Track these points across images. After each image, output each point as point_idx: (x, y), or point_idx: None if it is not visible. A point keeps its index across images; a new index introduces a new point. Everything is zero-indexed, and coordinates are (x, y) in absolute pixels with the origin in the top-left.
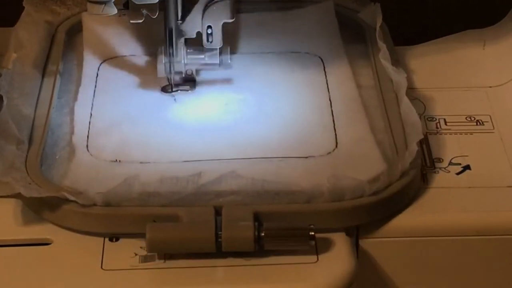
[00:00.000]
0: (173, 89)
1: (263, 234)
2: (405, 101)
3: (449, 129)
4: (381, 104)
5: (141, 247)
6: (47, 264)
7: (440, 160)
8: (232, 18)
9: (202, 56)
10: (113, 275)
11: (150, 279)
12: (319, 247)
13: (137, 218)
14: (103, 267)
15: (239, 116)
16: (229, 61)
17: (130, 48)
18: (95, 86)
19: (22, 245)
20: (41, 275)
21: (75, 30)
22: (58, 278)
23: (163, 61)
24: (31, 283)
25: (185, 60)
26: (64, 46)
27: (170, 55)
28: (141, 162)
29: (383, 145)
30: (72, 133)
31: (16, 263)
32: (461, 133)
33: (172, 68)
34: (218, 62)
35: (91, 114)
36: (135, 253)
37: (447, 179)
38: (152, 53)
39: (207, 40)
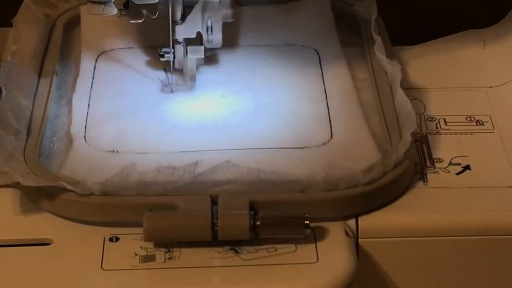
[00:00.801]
0: (173, 88)
1: (258, 222)
2: (400, 93)
3: (449, 129)
4: (376, 96)
5: (141, 247)
6: (47, 264)
7: (440, 160)
8: (233, 18)
9: (202, 56)
10: (113, 275)
11: (150, 279)
12: (319, 246)
13: (134, 207)
14: (103, 267)
15: (235, 108)
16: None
17: (128, 41)
18: (93, 78)
19: (22, 245)
20: (41, 275)
21: (74, 23)
22: (58, 278)
23: (164, 60)
24: (31, 283)
25: (185, 59)
26: (62, 38)
27: (170, 55)
28: (138, 153)
29: (377, 136)
30: (70, 123)
31: (16, 263)
32: (461, 133)
33: (172, 68)
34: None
35: (88, 105)
36: (135, 253)
37: (447, 179)
38: (150, 45)
39: (207, 40)
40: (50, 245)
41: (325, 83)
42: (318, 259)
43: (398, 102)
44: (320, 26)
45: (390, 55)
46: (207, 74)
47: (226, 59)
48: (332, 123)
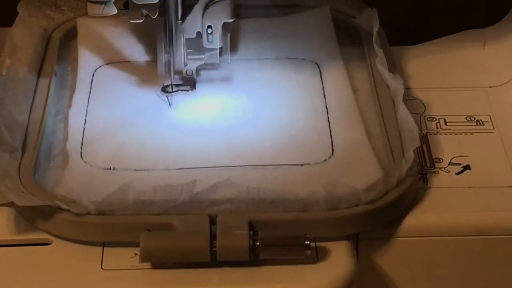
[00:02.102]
0: (173, 89)
1: (258, 243)
2: (402, 108)
3: (449, 129)
4: (378, 109)
5: None
6: (47, 264)
7: (440, 160)
8: (232, 18)
9: (202, 56)
10: (113, 275)
11: (150, 279)
12: (319, 247)
13: (131, 227)
14: (103, 267)
15: (235, 122)
16: (229, 61)
17: (125, 54)
18: (90, 92)
19: (22, 245)
20: (41, 275)
21: (70, 36)
22: (58, 278)
23: (163, 61)
24: (31, 283)
25: (185, 60)
26: (58, 51)
27: (170, 55)
28: (135, 170)
29: (379, 151)
30: (66, 139)
31: (16, 263)
32: (461, 133)
33: (172, 68)
34: (218, 61)
35: (85, 121)
36: (135, 253)
37: (447, 179)
38: (147, 59)
39: (207, 40)
40: (50, 245)
41: (326, 96)
42: (318, 259)
43: (400, 117)
44: (321, 39)
45: (392, 68)
46: (206, 87)
47: (226, 72)
48: (333, 138)
